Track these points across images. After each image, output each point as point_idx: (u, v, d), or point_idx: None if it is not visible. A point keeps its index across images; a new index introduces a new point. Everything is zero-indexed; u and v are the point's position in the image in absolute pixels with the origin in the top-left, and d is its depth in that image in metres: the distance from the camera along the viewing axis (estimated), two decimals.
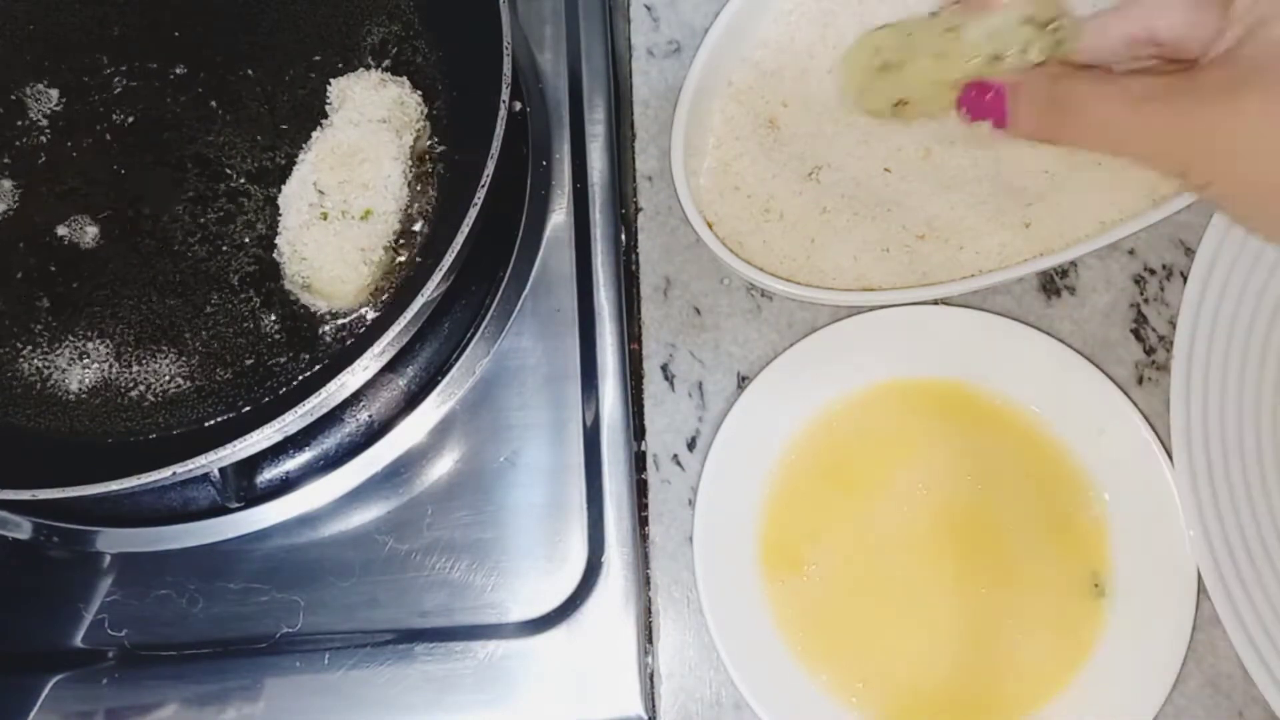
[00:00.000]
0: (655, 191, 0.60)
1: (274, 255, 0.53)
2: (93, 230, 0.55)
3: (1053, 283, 0.58)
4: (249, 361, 0.53)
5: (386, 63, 0.57)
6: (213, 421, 0.53)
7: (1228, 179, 0.41)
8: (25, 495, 0.44)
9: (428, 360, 0.57)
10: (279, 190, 0.54)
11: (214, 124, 0.57)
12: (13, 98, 0.57)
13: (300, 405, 0.46)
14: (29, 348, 0.54)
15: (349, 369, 0.46)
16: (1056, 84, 0.44)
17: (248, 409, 0.53)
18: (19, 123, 0.57)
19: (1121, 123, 0.42)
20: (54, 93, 0.58)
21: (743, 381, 0.57)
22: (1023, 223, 0.55)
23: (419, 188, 0.55)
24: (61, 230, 0.55)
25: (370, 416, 0.56)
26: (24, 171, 0.56)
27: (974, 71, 0.46)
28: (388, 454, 0.55)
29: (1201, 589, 0.52)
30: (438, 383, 0.56)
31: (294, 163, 0.54)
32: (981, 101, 0.46)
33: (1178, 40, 0.44)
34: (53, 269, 0.55)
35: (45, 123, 0.57)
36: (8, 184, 0.56)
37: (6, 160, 0.57)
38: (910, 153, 0.57)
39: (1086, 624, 0.53)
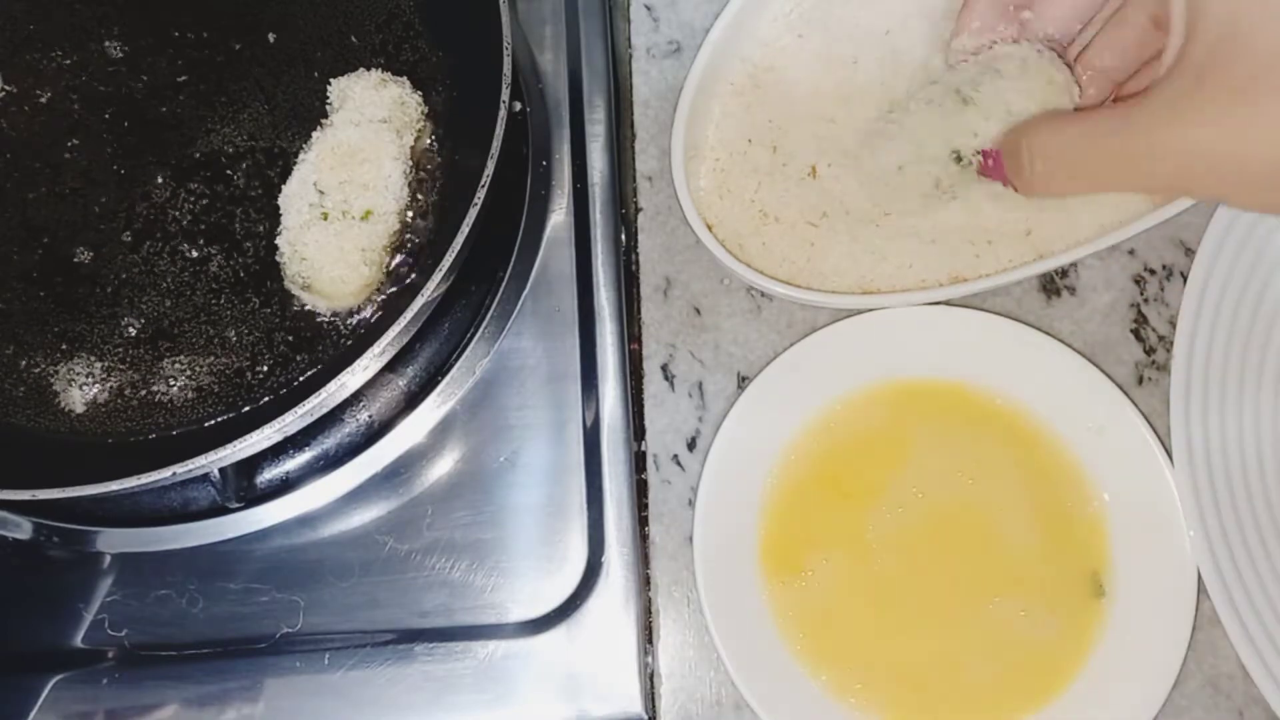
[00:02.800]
0: (655, 192, 0.60)
1: (274, 255, 0.54)
2: (93, 231, 0.55)
3: (1053, 283, 0.58)
4: (249, 361, 0.53)
5: (386, 62, 0.57)
6: (213, 421, 0.53)
7: (1202, 189, 0.40)
8: (25, 495, 0.44)
9: (428, 360, 0.57)
10: (279, 190, 0.54)
11: (214, 124, 0.57)
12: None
13: (300, 405, 0.46)
14: (30, 348, 0.54)
15: (349, 369, 0.46)
16: (1022, 138, 0.44)
17: (248, 409, 0.53)
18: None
19: (1091, 162, 0.42)
20: (52, 93, 0.58)
21: (743, 381, 0.57)
22: (1023, 226, 0.55)
23: (419, 188, 0.55)
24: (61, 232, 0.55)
25: (370, 416, 0.56)
26: (23, 171, 0.56)
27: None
28: (388, 454, 0.56)
29: (1201, 589, 0.52)
30: (438, 383, 0.56)
31: (294, 163, 0.54)
32: (988, 166, 0.47)
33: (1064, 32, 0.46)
34: (53, 269, 0.55)
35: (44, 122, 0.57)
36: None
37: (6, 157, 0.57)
38: (911, 155, 0.57)
39: (1086, 624, 0.53)
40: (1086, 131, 0.41)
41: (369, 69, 0.56)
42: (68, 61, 0.58)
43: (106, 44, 0.58)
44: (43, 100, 0.57)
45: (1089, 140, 0.41)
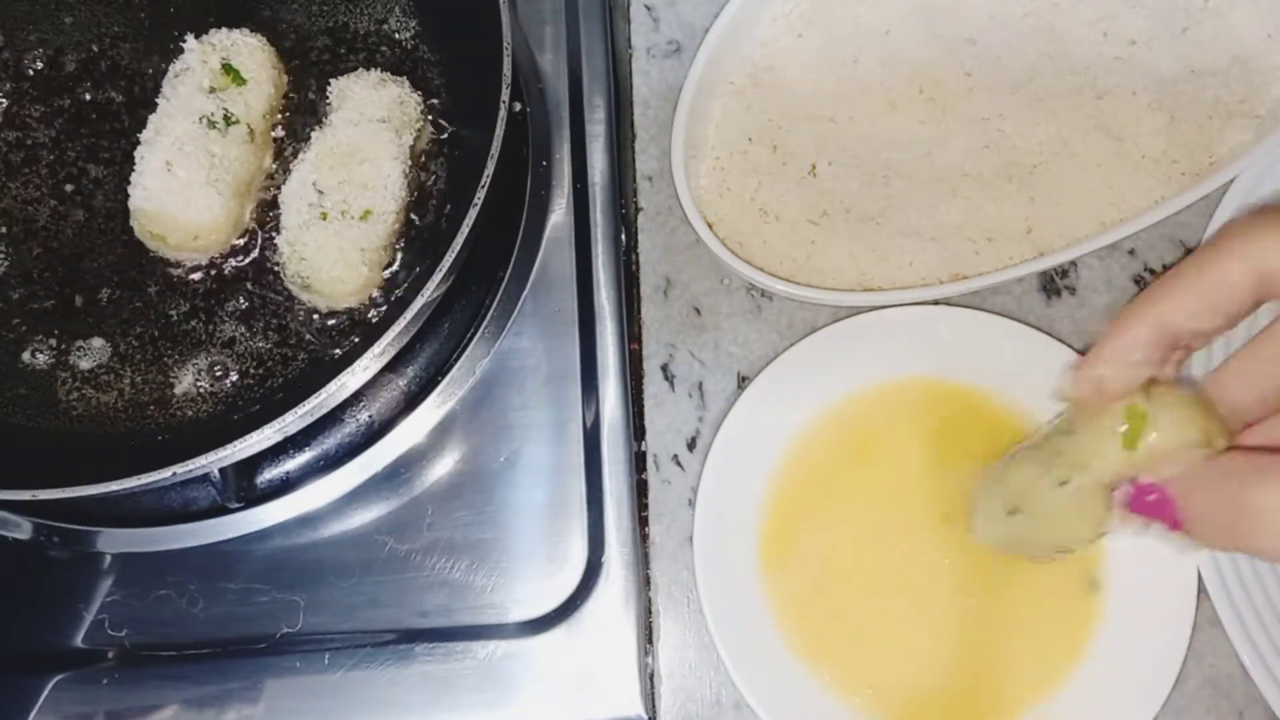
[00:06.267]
0: (655, 191, 0.60)
1: (274, 255, 0.53)
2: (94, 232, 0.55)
3: (1053, 283, 0.58)
4: (249, 361, 0.53)
5: (386, 62, 0.57)
6: (213, 421, 0.53)
7: None
8: (25, 495, 0.45)
9: (428, 360, 0.57)
10: (279, 190, 0.54)
11: None
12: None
13: (300, 405, 0.46)
14: (31, 348, 0.54)
15: (349, 369, 0.46)
16: (1233, 487, 0.36)
17: (248, 409, 0.53)
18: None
19: None
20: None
21: (743, 381, 0.57)
22: (1024, 224, 0.55)
23: (418, 188, 0.55)
24: (64, 231, 0.55)
25: (370, 416, 0.56)
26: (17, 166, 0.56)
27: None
28: (388, 454, 0.56)
29: (1201, 589, 0.52)
30: (438, 383, 0.56)
31: (293, 164, 0.54)
32: (1145, 504, 0.39)
33: None
34: (55, 270, 0.55)
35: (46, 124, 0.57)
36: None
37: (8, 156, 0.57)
38: (911, 154, 0.57)
39: (1082, 620, 0.52)
40: None
41: (369, 69, 0.56)
42: (66, 64, 0.58)
43: (106, 45, 0.58)
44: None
45: None
